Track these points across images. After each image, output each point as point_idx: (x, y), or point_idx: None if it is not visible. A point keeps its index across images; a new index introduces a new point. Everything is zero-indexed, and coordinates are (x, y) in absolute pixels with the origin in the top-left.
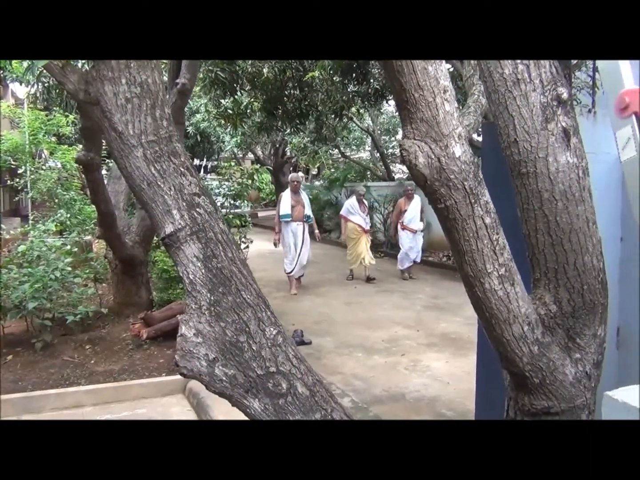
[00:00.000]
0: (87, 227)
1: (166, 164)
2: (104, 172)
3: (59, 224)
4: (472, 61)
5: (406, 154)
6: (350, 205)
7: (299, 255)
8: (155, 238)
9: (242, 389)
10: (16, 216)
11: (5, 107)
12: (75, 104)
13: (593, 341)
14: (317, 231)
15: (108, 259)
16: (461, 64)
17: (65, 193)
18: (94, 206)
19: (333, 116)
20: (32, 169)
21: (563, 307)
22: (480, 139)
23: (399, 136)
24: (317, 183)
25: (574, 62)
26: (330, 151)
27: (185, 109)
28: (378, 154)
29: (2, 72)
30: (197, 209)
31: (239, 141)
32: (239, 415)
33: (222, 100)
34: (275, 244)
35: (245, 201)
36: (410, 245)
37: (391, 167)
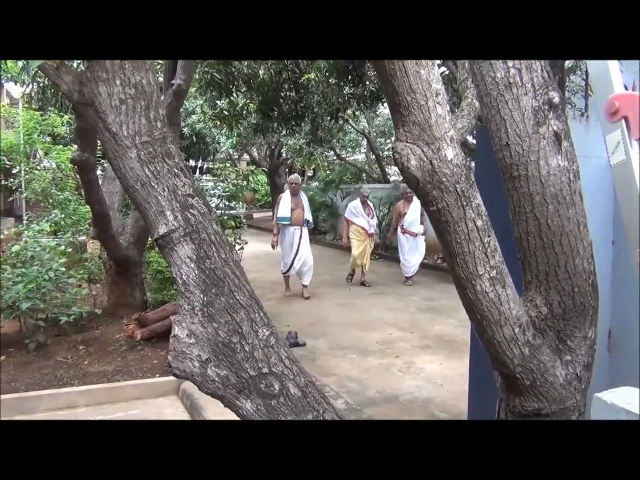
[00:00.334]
0: (81, 228)
1: (160, 165)
2: (98, 172)
3: (53, 224)
4: (466, 64)
5: (398, 156)
6: (353, 207)
7: (296, 255)
8: (149, 239)
9: (235, 390)
10: (10, 216)
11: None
12: (70, 105)
13: (583, 343)
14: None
15: (102, 259)
16: (456, 67)
17: (59, 193)
18: (88, 206)
19: (329, 118)
20: (27, 169)
21: (554, 309)
22: (475, 141)
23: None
24: (313, 185)
25: (569, 65)
26: (326, 153)
27: (181, 110)
28: (373, 156)
29: None
30: (191, 210)
31: (234, 142)
32: (232, 417)
33: (218, 102)
34: (273, 246)
35: (241, 202)
36: (410, 249)
37: (387, 170)
